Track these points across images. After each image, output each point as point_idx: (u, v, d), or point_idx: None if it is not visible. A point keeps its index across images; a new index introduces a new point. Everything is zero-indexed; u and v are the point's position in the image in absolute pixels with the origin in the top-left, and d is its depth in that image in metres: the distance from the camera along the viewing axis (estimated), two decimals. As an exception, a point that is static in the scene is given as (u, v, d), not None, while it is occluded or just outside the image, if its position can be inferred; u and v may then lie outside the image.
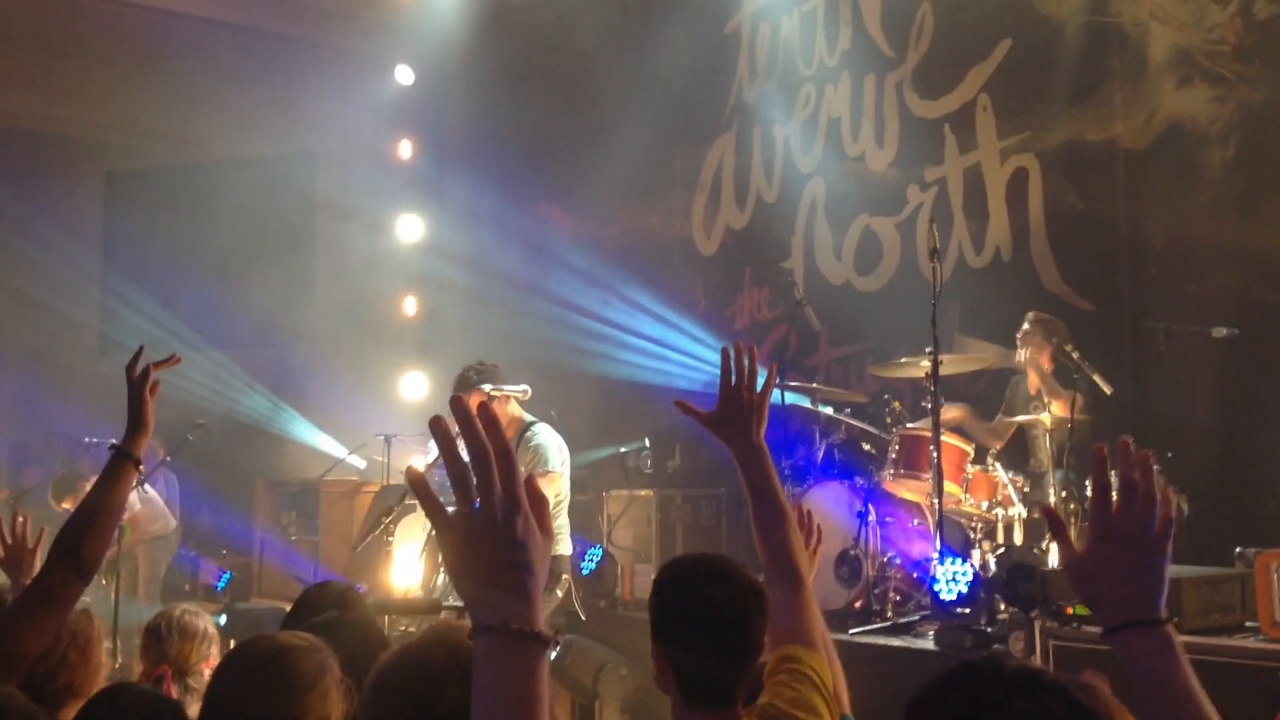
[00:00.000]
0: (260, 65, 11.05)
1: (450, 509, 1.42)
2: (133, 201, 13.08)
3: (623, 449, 9.20)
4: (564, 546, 6.35)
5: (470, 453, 1.40)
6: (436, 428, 1.45)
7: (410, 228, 11.73)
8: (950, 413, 6.86)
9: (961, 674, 1.51)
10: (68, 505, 8.71)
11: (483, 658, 1.37)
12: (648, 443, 9.07)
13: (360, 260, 11.67)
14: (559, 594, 6.36)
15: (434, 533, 7.71)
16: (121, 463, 2.98)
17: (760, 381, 2.69)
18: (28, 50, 11.11)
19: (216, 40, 10.97)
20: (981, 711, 1.46)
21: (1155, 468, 1.73)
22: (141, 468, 3.05)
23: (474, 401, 5.19)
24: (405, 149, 11.81)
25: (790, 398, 7.45)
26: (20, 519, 3.57)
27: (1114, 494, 1.71)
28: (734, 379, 2.67)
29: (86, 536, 2.86)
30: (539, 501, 1.44)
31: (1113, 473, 1.73)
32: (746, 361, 2.68)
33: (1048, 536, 6.19)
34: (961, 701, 1.48)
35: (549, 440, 6.06)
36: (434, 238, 11.71)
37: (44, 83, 11.50)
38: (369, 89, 11.64)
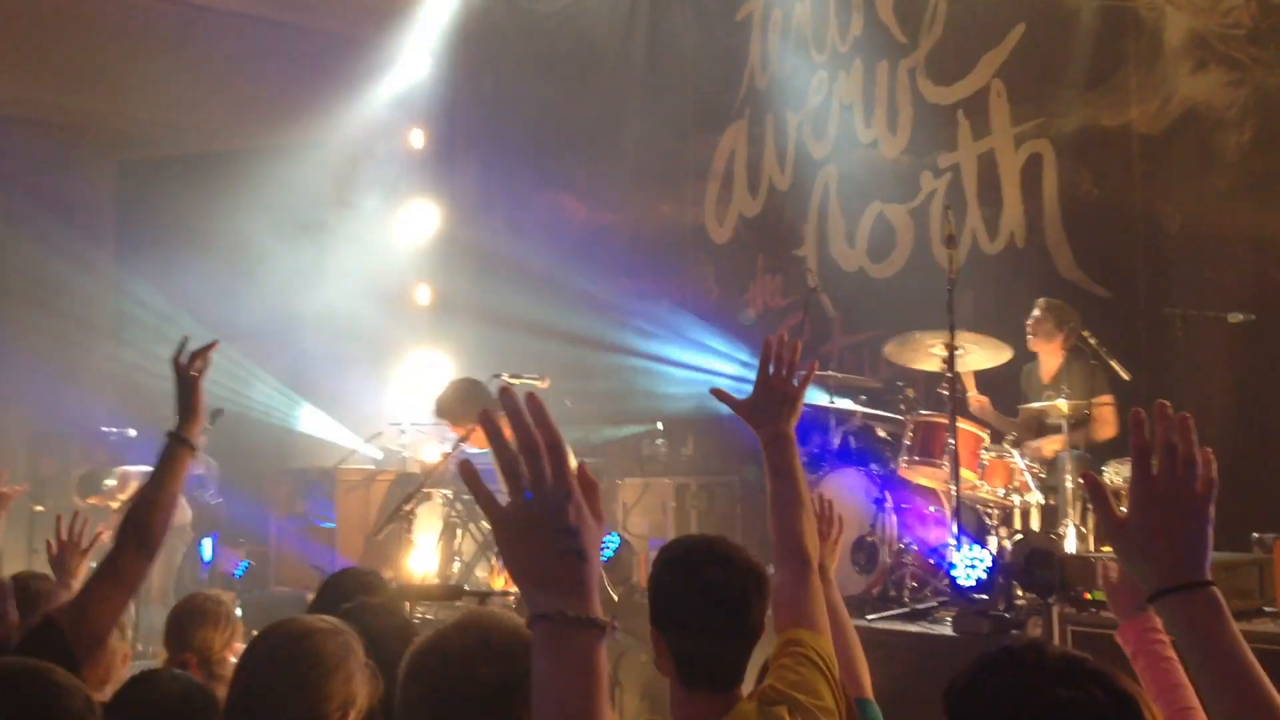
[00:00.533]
0: (273, 54, 11.06)
1: (502, 499, 1.44)
2: (146, 190, 13.08)
3: (636, 429, 9.24)
4: None
5: (520, 444, 1.42)
6: (485, 420, 1.47)
7: (423, 216, 11.74)
8: (976, 402, 6.88)
9: (1003, 660, 1.52)
10: (94, 501, 8.79)
11: (541, 645, 1.40)
12: (660, 425, 9.10)
13: (373, 249, 11.68)
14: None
15: (449, 521, 7.76)
16: (178, 448, 3.14)
17: (800, 373, 2.75)
18: (40, 39, 11.13)
19: (229, 29, 10.99)
20: (1025, 699, 1.47)
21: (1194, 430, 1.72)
22: (196, 452, 3.14)
23: (463, 425, 5.21)
24: (417, 138, 11.82)
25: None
26: (80, 520, 3.72)
27: (1154, 458, 1.71)
28: (772, 369, 2.71)
29: (152, 518, 3.02)
30: (591, 488, 1.46)
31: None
32: (789, 355, 2.73)
33: (1064, 521, 6.21)
34: (1004, 688, 1.49)
35: None
36: (447, 226, 11.72)
37: (57, 72, 11.51)
38: (381, 78, 11.64)
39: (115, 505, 8.49)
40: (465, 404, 5.88)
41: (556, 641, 1.39)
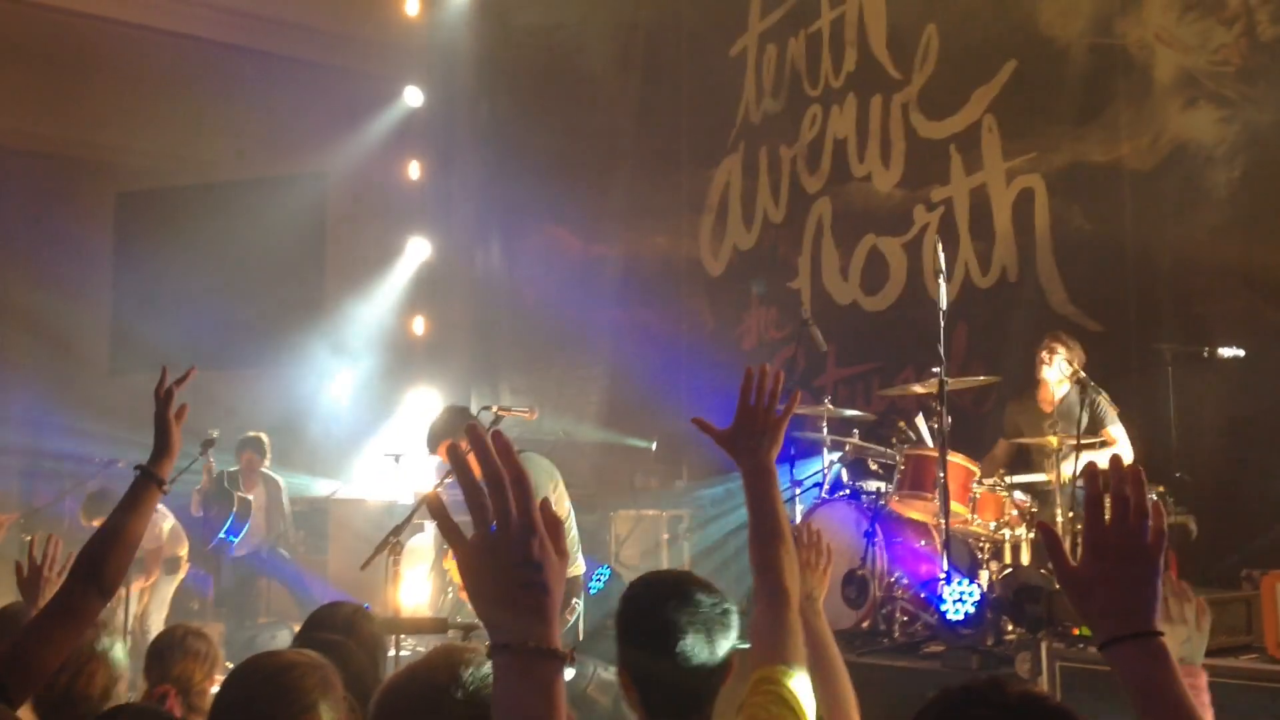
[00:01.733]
0: (270, 87, 11.13)
1: (468, 533, 1.47)
2: (143, 222, 13.13)
3: (631, 441, 9.23)
4: (577, 566, 6.32)
5: (485, 478, 1.45)
6: (452, 455, 1.52)
7: (419, 248, 11.78)
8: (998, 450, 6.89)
9: (962, 699, 1.51)
10: (98, 524, 8.75)
11: (501, 675, 1.43)
12: (654, 446, 9.10)
13: (369, 280, 11.72)
14: (569, 618, 6.29)
15: (441, 552, 7.74)
16: (146, 484, 3.01)
17: (781, 406, 2.72)
18: (38, 72, 11.21)
19: (227, 62, 11.06)
20: None
21: (1148, 486, 1.73)
22: (166, 489, 3.07)
23: (444, 450, 5.20)
24: (414, 170, 11.87)
25: (798, 418, 7.45)
26: (53, 543, 3.61)
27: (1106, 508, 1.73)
28: (753, 399, 2.70)
29: (109, 555, 2.89)
30: (554, 525, 1.48)
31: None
32: (771, 384, 2.70)
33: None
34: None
35: (536, 467, 5.98)
36: (442, 258, 11.76)
37: (55, 105, 11.58)
38: (378, 111, 11.70)
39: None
40: (451, 432, 5.91)
41: (517, 671, 1.42)
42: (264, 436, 9.49)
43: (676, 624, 2.39)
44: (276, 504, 9.42)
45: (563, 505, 6.16)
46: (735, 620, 2.47)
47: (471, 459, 1.46)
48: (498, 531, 1.44)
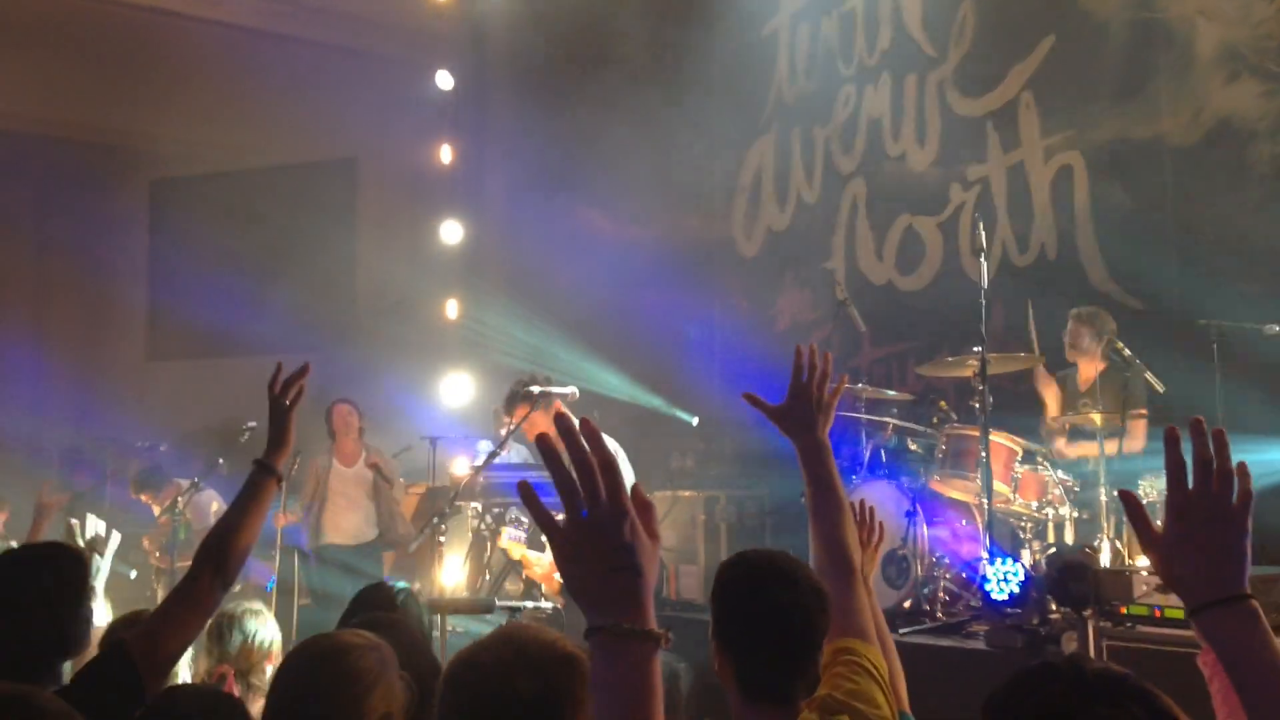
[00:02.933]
0: (302, 73, 11.15)
1: (559, 517, 1.50)
2: (177, 208, 13.21)
3: (677, 413, 9.24)
4: None
5: (574, 464, 1.48)
6: (543, 442, 1.52)
7: (451, 231, 11.78)
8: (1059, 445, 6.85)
9: (1042, 676, 1.50)
10: (145, 499, 8.89)
11: (598, 657, 1.47)
12: (696, 421, 9.10)
13: (402, 264, 11.74)
14: None
15: (479, 534, 7.76)
16: (264, 477, 3.07)
17: (831, 383, 2.76)
18: (73, 61, 11.26)
19: (258, 49, 11.08)
20: (1064, 717, 1.45)
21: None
22: (283, 483, 3.11)
23: (520, 413, 5.28)
24: (445, 154, 11.87)
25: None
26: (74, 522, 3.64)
27: (1190, 472, 1.71)
28: (805, 376, 2.73)
29: (231, 544, 2.95)
30: (646, 508, 1.52)
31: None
32: (820, 362, 2.75)
33: (1098, 535, 6.17)
34: (1043, 705, 1.47)
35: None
36: (475, 241, 11.76)
37: (89, 93, 11.64)
38: (409, 95, 11.70)
39: (158, 509, 8.55)
40: (529, 399, 6.06)
41: (613, 653, 1.45)
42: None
43: (778, 610, 2.41)
44: None
45: (628, 472, 6.19)
46: (828, 600, 2.47)
47: (560, 444, 1.50)
48: (589, 516, 1.47)
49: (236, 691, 3.45)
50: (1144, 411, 6.41)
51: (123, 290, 12.42)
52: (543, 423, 6.10)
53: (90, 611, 2.94)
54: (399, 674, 2.47)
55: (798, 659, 2.42)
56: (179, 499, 7.67)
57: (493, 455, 6.09)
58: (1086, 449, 6.63)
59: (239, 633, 3.59)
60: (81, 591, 2.87)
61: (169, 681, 3.33)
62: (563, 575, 1.51)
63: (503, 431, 6.56)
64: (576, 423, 1.50)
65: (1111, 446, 6.37)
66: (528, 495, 1.54)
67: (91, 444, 10.65)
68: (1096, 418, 6.30)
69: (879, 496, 6.81)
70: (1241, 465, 1.70)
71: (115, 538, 5.51)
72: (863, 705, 2.38)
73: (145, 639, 2.80)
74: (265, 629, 3.68)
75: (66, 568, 2.87)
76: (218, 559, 2.92)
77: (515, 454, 7.19)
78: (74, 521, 5.89)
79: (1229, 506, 1.68)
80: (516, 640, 2.05)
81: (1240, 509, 1.68)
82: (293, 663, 2.50)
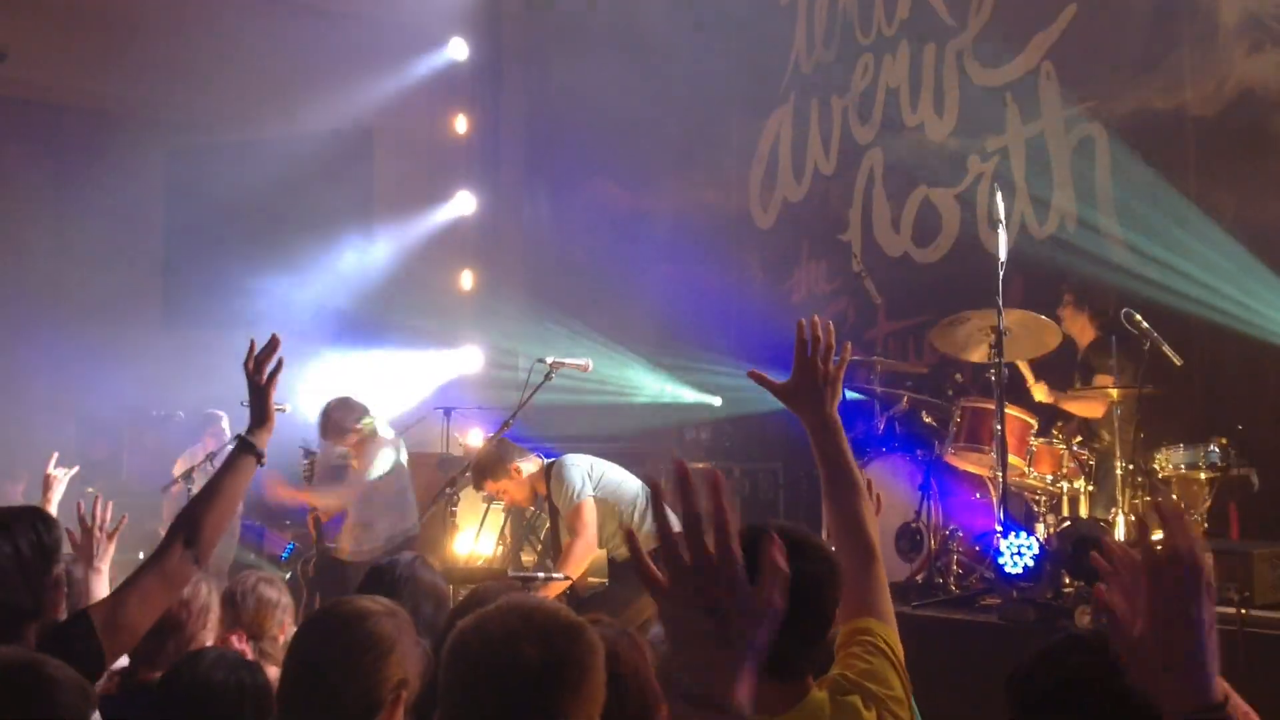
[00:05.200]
0: (317, 41, 11.10)
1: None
2: (193, 179, 13.19)
3: (696, 399, 9.24)
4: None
5: (684, 519, 1.39)
6: (653, 500, 1.43)
7: (466, 202, 11.76)
8: (1039, 393, 6.82)
9: (1069, 648, 1.49)
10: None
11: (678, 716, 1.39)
12: (719, 401, 9.10)
13: (417, 235, 11.73)
14: None
15: (491, 505, 7.78)
16: (243, 454, 3.07)
17: (836, 356, 2.68)
18: (89, 30, 11.24)
19: (273, 17, 11.03)
20: (1089, 685, 1.44)
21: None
22: (264, 460, 3.10)
23: (490, 488, 5.23)
24: (461, 124, 11.83)
25: (849, 372, 7.40)
26: (101, 505, 3.64)
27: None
28: (809, 350, 2.66)
29: (204, 521, 2.95)
30: (775, 573, 1.42)
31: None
32: (822, 334, 2.67)
33: (1112, 509, 6.14)
34: (1070, 676, 1.47)
35: (567, 472, 5.97)
36: (490, 212, 11.74)
37: (106, 62, 11.62)
38: (425, 64, 11.66)
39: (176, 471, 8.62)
40: (494, 465, 6.01)
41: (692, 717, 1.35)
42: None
43: (798, 582, 2.37)
44: None
45: (618, 495, 6.11)
46: (840, 573, 2.42)
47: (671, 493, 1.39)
48: (693, 577, 1.37)
49: (250, 657, 3.46)
50: (1109, 381, 6.37)
51: (139, 259, 12.43)
52: None
53: (62, 577, 2.91)
54: (416, 641, 2.47)
55: (807, 630, 2.38)
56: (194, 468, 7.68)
57: (505, 425, 6.10)
58: (1073, 403, 6.73)
59: (253, 600, 3.61)
60: (53, 556, 2.86)
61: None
62: (667, 632, 1.44)
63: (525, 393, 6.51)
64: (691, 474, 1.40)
65: (1078, 408, 6.48)
66: (633, 545, 1.48)
67: (107, 413, 10.69)
68: (1113, 392, 6.27)
69: (893, 469, 6.81)
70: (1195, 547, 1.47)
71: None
72: (875, 686, 2.35)
73: (109, 608, 2.80)
74: (279, 596, 3.70)
75: (39, 530, 2.85)
76: (189, 533, 2.91)
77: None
78: (90, 490, 5.92)
79: (1185, 605, 1.44)
80: (521, 608, 2.04)
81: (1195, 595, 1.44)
82: (308, 629, 2.50)
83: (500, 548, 8.28)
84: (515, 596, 2.28)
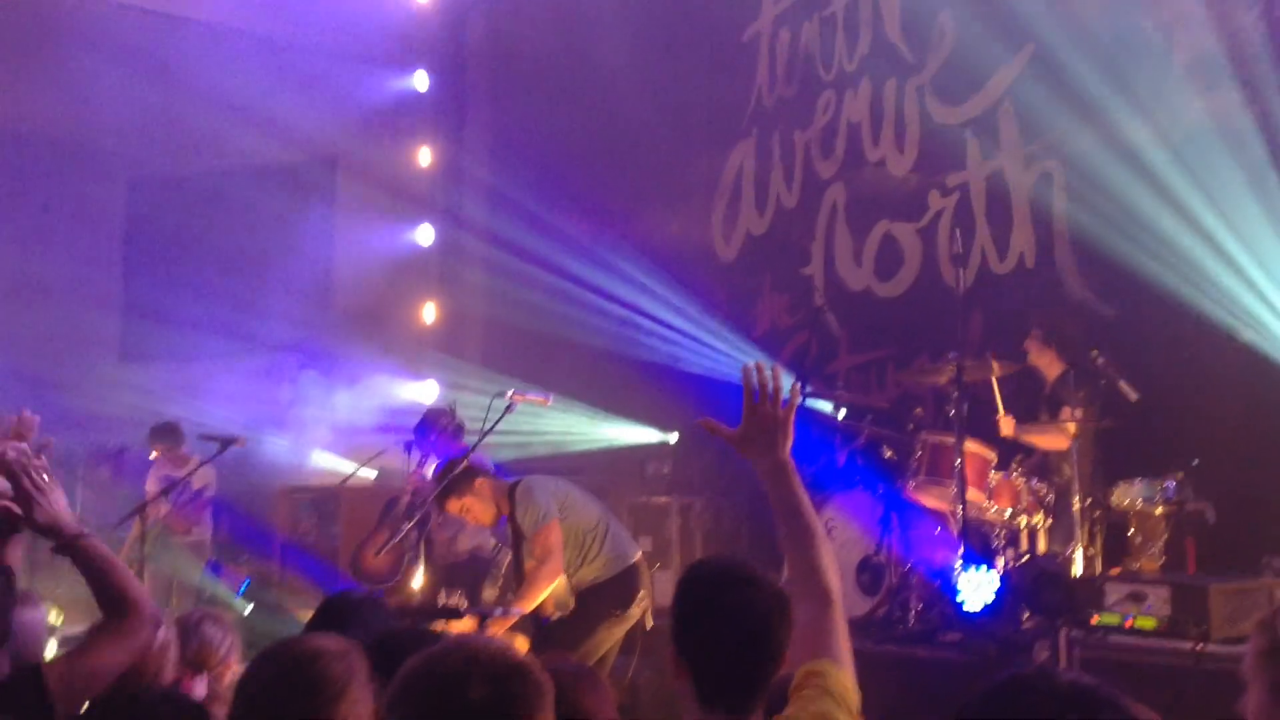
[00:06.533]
0: (280, 72, 11.08)
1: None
2: (154, 208, 13.12)
3: (650, 438, 9.22)
4: (632, 552, 6.13)
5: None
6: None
7: (429, 234, 11.74)
8: (1005, 426, 6.84)
9: (1013, 687, 1.49)
10: (156, 453, 9.02)
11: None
12: (674, 439, 9.08)
13: (380, 266, 11.69)
14: (637, 612, 5.99)
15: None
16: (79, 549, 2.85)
17: (785, 396, 2.67)
18: (49, 56, 11.17)
19: (237, 48, 11.01)
20: None
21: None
22: (89, 538, 2.86)
23: (454, 506, 5.22)
24: (424, 156, 11.82)
25: (811, 404, 7.42)
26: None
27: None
28: (756, 396, 2.65)
29: (122, 593, 2.83)
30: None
31: None
32: (770, 376, 2.65)
33: (1071, 544, 6.16)
34: (1014, 715, 1.46)
35: (534, 493, 5.96)
36: (453, 244, 11.71)
37: (66, 89, 11.55)
38: (388, 97, 11.65)
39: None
40: (459, 481, 5.95)
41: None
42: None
43: (734, 612, 2.37)
44: None
45: (584, 512, 6.07)
46: (790, 607, 2.43)
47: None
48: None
49: (195, 694, 3.40)
50: (1079, 415, 6.40)
51: (98, 289, 12.32)
52: None
53: (11, 601, 2.81)
54: (367, 682, 2.42)
55: (756, 667, 2.37)
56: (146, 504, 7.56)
57: (465, 455, 6.06)
58: (1039, 438, 6.74)
59: (197, 637, 3.54)
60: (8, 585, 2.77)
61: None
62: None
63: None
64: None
65: (1042, 440, 6.55)
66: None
67: (61, 445, 10.55)
68: (1070, 427, 6.31)
69: (853, 504, 6.81)
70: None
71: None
72: None
73: (65, 672, 2.70)
74: (224, 635, 3.63)
75: None
76: (112, 606, 2.81)
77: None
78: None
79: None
80: (468, 649, 2.03)
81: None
82: (257, 669, 2.45)
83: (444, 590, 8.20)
84: (463, 636, 2.25)
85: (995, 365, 6.73)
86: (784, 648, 2.41)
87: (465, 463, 6.01)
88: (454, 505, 6.04)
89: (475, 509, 6.02)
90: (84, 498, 9.41)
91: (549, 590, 5.76)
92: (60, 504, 2.84)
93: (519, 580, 6.03)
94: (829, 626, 2.50)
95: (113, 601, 2.79)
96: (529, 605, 5.63)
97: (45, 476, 2.84)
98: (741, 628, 2.36)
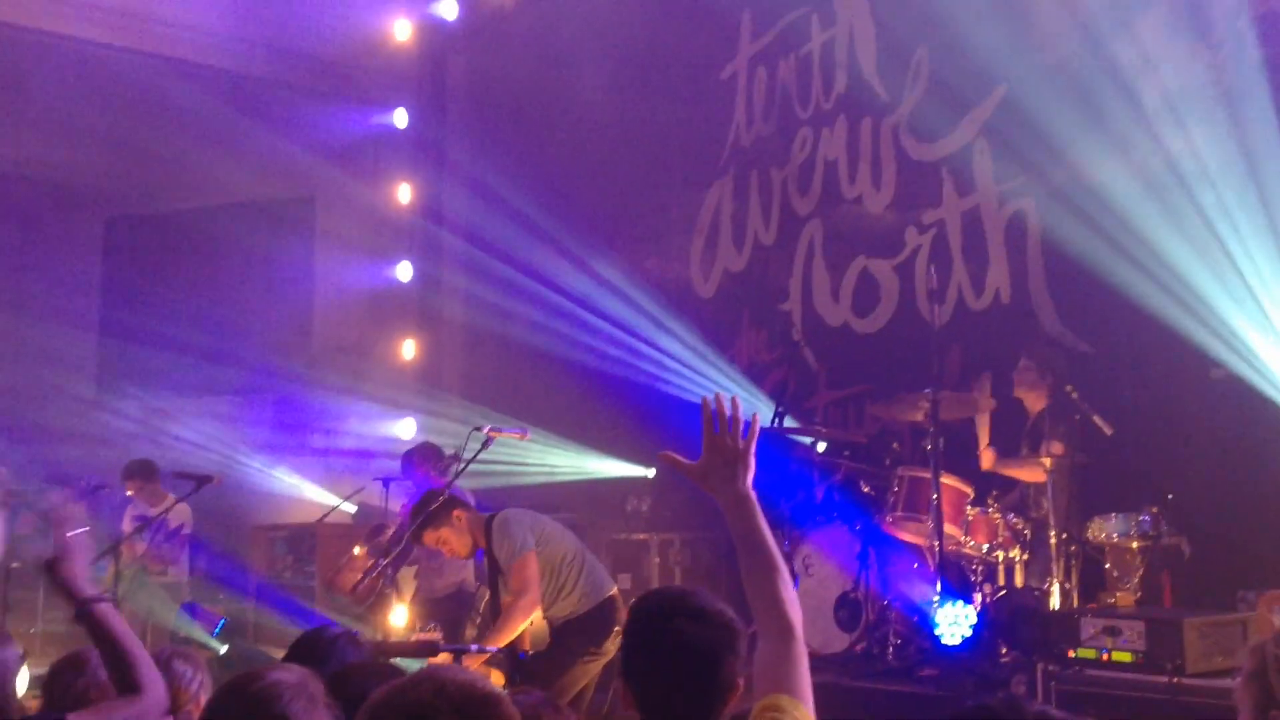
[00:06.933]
0: (259, 111, 11.10)
1: None
2: (132, 246, 13.11)
3: (627, 472, 9.21)
4: (608, 587, 6.09)
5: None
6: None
7: (408, 270, 11.74)
8: (986, 460, 6.86)
9: (979, 716, 1.49)
10: (131, 490, 8.94)
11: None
12: (653, 474, 9.07)
13: (358, 304, 11.69)
14: (612, 648, 5.88)
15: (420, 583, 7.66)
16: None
17: (745, 429, 2.65)
18: (28, 96, 11.16)
19: (216, 87, 11.02)
20: None
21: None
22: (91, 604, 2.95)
23: (429, 538, 5.20)
24: (404, 193, 11.84)
25: (789, 439, 7.43)
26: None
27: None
28: (715, 427, 2.63)
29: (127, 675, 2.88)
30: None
31: None
32: (729, 409, 2.63)
33: (1048, 578, 6.17)
34: None
35: (511, 525, 5.92)
36: (432, 280, 11.72)
37: (44, 128, 11.54)
38: (367, 134, 11.68)
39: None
40: (437, 513, 5.93)
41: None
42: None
43: (681, 639, 2.37)
44: None
45: (560, 545, 6.05)
46: (741, 640, 2.42)
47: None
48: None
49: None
50: (1060, 452, 6.43)
51: (74, 326, 12.28)
52: None
53: None
54: (327, 705, 2.41)
55: (700, 698, 2.36)
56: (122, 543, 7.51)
57: (445, 488, 6.04)
58: (1017, 471, 6.77)
59: (167, 675, 3.51)
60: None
61: None
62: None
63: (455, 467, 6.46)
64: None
65: (1030, 475, 6.52)
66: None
67: (34, 485, 10.46)
68: (1046, 461, 6.34)
69: (831, 540, 6.80)
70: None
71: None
72: None
73: None
74: (194, 672, 3.61)
75: None
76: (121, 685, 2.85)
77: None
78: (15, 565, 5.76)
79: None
80: (435, 680, 2.01)
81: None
82: (221, 703, 2.44)
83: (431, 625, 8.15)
84: (431, 668, 2.25)
85: (978, 399, 6.76)
86: (732, 680, 2.39)
87: (445, 494, 5.99)
88: (430, 537, 5.99)
89: (452, 541, 5.98)
90: (56, 536, 9.32)
91: (526, 623, 5.72)
92: (78, 566, 2.91)
93: (495, 614, 5.99)
94: (789, 660, 2.47)
95: (121, 677, 2.81)
96: (505, 639, 5.59)
97: (75, 532, 2.95)
98: (685, 659, 2.36)
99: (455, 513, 5.94)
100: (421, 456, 7.68)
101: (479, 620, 7.55)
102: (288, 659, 3.45)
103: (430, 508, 5.90)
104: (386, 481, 9.04)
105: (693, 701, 2.36)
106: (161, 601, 8.82)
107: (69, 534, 2.92)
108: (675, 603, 2.46)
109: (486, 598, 7.10)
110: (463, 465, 6.16)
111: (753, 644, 2.52)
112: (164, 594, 8.92)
